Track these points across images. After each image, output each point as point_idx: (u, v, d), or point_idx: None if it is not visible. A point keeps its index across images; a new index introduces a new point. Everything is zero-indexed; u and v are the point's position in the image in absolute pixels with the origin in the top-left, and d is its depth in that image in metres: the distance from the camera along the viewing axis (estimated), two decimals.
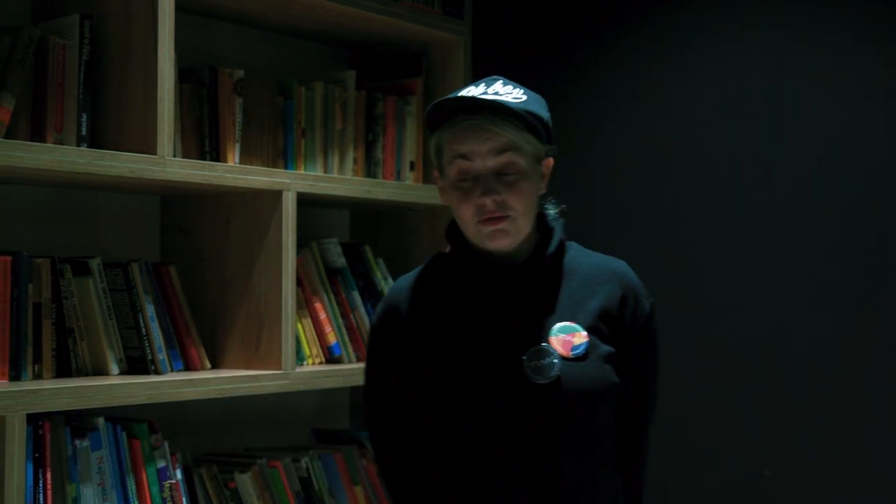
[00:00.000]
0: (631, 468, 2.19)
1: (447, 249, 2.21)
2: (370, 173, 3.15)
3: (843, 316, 2.88)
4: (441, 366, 2.07)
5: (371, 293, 3.14)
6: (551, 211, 2.20)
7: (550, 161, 2.14)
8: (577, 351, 2.04)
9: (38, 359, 2.39)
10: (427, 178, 3.29)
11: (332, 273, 3.06)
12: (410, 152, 3.24)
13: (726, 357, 3.04)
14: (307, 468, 2.89)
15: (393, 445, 2.20)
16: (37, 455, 2.26)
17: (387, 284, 3.17)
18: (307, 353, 2.92)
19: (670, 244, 3.12)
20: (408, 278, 2.22)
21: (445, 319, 2.11)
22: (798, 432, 2.92)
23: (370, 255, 3.18)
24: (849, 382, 2.87)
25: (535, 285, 2.11)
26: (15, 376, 2.33)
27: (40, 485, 2.26)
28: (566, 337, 2.05)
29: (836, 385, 2.88)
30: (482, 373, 2.04)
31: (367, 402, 2.24)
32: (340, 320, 3.02)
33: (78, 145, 2.42)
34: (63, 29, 2.46)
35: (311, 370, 2.85)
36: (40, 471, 2.26)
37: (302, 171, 2.93)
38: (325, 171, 3.01)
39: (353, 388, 3.38)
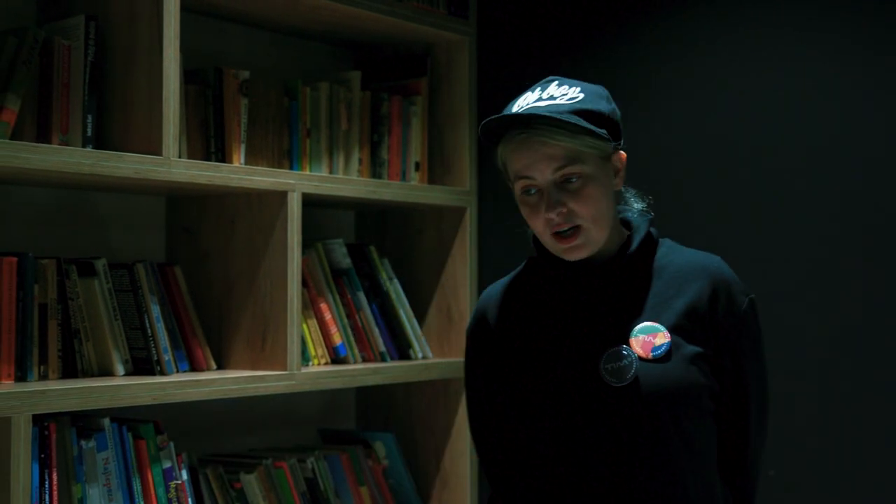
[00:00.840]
0: (736, 476, 2.11)
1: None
2: (375, 174, 3.15)
3: (850, 315, 2.88)
4: (523, 368, 2.06)
5: (376, 294, 3.14)
6: (637, 205, 2.16)
7: (623, 155, 2.07)
8: (658, 352, 1.99)
9: (43, 359, 2.39)
10: (432, 179, 3.29)
11: (338, 274, 3.06)
12: (416, 153, 3.24)
13: None
14: (313, 469, 2.89)
15: (491, 445, 2.20)
16: (42, 455, 2.26)
17: (392, 285, 3.17)
18: (313, 353, 2.92)
19: (681, 243, 3.12)
20: (497, 284, 2.21)
21: (530, 322, 2.09)
22: (802, 432, 2.92)
23: (375, 256, 3.18)
24: (855, 382, 2.86)
25: (620, 285, 2.07)
26: (21, 377, 2.34)
27: (46, 485, 2.26)
28: (646, 338, 2.00)
29: (842, 385, 2.88)
30: (561, 375, 2.01)
31: (468, 405, 2.25)
32: (346, 321, 3.02)
33: (83, 146, 2.42)
34: (68, 30, 2.46)
35: (317, 371, 2.85)
36: (46, 471, 2.27)
37: (307, 172, 2.93)
38: (331, 172, 3.01)
39: (359, 389, 3.39)
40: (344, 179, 2.95)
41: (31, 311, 2.36)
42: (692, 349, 2.02)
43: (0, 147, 2.19)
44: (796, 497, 2.93)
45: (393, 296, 3.17)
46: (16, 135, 2.32)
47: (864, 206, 2.87)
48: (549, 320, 2.08)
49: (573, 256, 2.02)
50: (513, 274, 2.22)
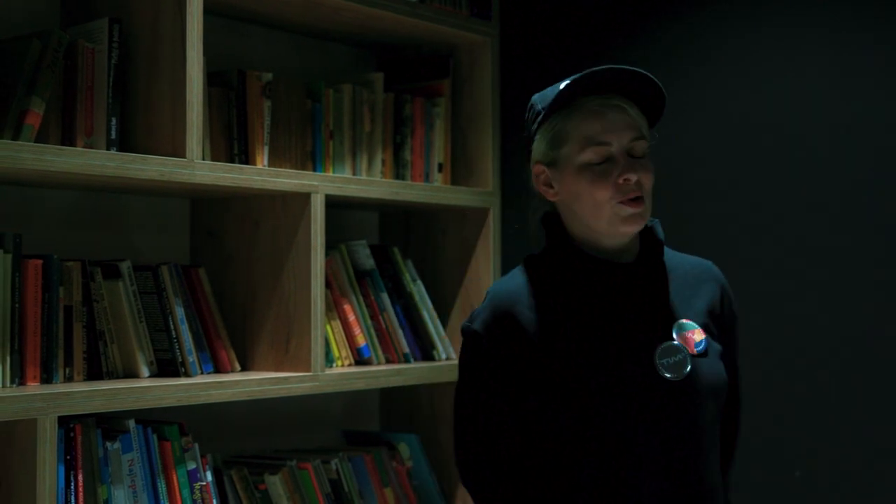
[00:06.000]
0: (727, 465, 2.20)
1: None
2: (398, 175, 3.15)
3: (874, 316, 2.86)
4: (571, 368, 2.02)
5: (400, 295, 3.14)
6: None
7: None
8: (700, 347, 2.04)
9: (69, 362, 2.40)
10: (456, 180, 3.29)
11: (361, 275, 3.07)
12: (439, 154, 3.24)
13: (756, 357, 3.02)
14: (337, 470, 2.90)
15: (502, 454, 2.10)
16: (68, 457, 2.27)
17: (415, 286, 3.17)
18: (336, 354, 2.92)
19: (703, 243, 3.11)
20: (512, 283, 2.12)
21: (566, 322, 2.06)
22: (829, 433, 2.91)
23: (399, 257, 3.18)
24: (882, 383, 2.85)
25: (646, 284, 2.10)
26: (46, 379, 2.35)
27: (72, 487, 2.27)
28: (688, 334, 2.05)
29: (869, 386, 2.86)
30: (615, 372, 2.01)
31: (471, 412, 2.11)
32: (369, 322, 3.02)
33: (108, 149, 2.43)
34: (92, 33, 2.47)
35: (341, 372, 2.85)
36: (72, 473, 2.28)
37: (330, 174, 2.94)
38: (354, 174, 3.01)
39: (383, 390, 3.39)
40: (367, 181, 2.95)
41: (57, 313, 2.37)
42: (717, 346, 2.09)
43: (25, 150, 2.20)
44: (825, 498, 2.91)
45: (416, 297, 3.17)
46: (40, 138, 2.33)
47: (882, 204, 2.85)
48: (589, 319, 2.06)
49: (633, 227, 2.04)
50: (521, 275, 2.14)
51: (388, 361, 3.04)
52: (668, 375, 2.00)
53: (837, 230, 2.91)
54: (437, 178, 3.23)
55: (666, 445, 2.00)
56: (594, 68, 2.05)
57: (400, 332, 3.09)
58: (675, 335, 2.04)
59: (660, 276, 2.11)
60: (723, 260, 3.06)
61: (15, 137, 2.28)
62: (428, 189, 3.12)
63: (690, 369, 2.01)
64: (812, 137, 2.95)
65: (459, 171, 3.30)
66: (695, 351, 2.03)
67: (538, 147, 2.11)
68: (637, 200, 2.02)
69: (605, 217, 2.03)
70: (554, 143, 2.08)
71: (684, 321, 2.06)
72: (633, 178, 2.01)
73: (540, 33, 3.41)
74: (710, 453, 2.05)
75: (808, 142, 2.96)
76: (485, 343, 2.09)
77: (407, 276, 3.17)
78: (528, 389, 2.05)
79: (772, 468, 2.99)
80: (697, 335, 2.05)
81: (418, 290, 3.18)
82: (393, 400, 3.39)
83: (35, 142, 2.29)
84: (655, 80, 2.07)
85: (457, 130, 3.31)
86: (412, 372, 3.02)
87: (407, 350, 3.09)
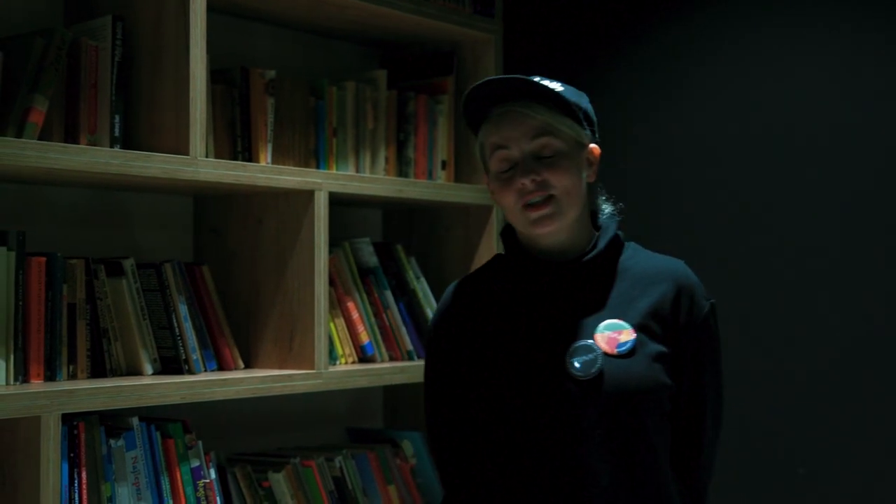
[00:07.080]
0: (691, 477, 2.13)
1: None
2: (402, 172, 3.15)
3: (877, 313, 2.86)
4: (488, 362, 2.07)
5: (403, 292, 3.14)
6: (607, 209, 2.19)
7: (597, 149, 2.12)
8: (623, 348, 2.01)
9: (72, 359, 2.40)
10: (459, 178, 3.29)
11: (365, 272, 3.07)
12: (442, 151, 3.24)
13: (759, 354, 3.02)
14: (341, 468, 2.90)
15: (446, 441, 2.20)
16: (72, 455, 2.28)
17: (419, 284, 3.17)
18: (340, 352, 2.92)
19: (706, 240, 3.11)
20: (464, 279, 2.24)
21: (495, 317, 2.12)
22: (833, 430, 2.90)
23: (402, 255, 3.18)
24: (885, 380, 2.84)
25: (585, 283, 2.09)
26: (50, 376, 2.35)
27: (76, 484, 2.27)
28: (612, 334, 2.02)
29: (872, 382, 2.86)
30: (526, 368, 2.03)
31: (425, 398, 2.25)
32: (373, 320, 3.02)
33: (111, 146, 2.43)
34: (95, 31, 2.47)
35: (344, 370, 2.85)
36: (75, 470, 2.28)
37: (334, 171, 2.94)
38: (357, 171, 3.01)
39: (387, 388, 3.39)
40: (370, 178, 2.95)
41: (60, 310, 2.38)
42: (656, 348, 2.04)
43: (29, 148, 2.20)
44: (829, 495, 2.91)
45: (420, 294, 3.17)
46: (44, 135, 2.33)
47: (882, 203, 2.85)
48: (513, 314, 2.10)
49: (544, 228, 2.04)
50: (477, 270, 2.26)
51: (391, 359, 3.04)
52: (577, 374, 1.99)
53: (837, 229, 2.91)
54: (441, 176, 3.23)
55: (560, 441, 2.00)
56: (475, 83, 2.08)
57: (403, 330, 3.09)
58: (596, 334, 2.02)
59: (605, 275, 2.11)
60: (721, 259, 3.07)
61: (18, 135, 2.28)
62: (431, 186, 3.12)
63: (599, 369, 1.99)
64: (812, 137, 2.95)
65: (463, 168, 3.30)
66: (615, 351, 2.01)
67: (477, 154, 2.18)
68: (543, 203, 2.03)
69: (519, 221, 2.08)
70: (481, 156, 2.15)
71: (613, 321, 2.04)
72: (527, 181, 2.02)
73: (543, 30, 3.41)
74: (625, 456, 2.00)
75: (809, 141, 2.95)
76: (433, 333, 2.24)
77: (410, 274, 3.17)
78: (461, 378, 2.13)
79: (775, 464, 2.99)
80: (625, 335, 2.02)
81: (422, 288, 3.18)
82: (396, 397, 3.39)
83: (38, 139, 2.29)
84: (529, 79, 2.05)
85: (460, 128, 3.30)
86: (416, 369, 3.01)
87: (410, 347, 3.09)
